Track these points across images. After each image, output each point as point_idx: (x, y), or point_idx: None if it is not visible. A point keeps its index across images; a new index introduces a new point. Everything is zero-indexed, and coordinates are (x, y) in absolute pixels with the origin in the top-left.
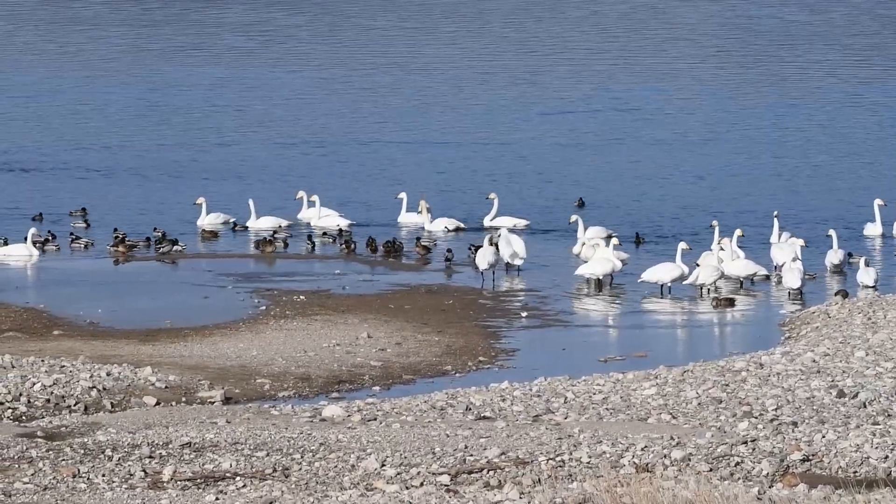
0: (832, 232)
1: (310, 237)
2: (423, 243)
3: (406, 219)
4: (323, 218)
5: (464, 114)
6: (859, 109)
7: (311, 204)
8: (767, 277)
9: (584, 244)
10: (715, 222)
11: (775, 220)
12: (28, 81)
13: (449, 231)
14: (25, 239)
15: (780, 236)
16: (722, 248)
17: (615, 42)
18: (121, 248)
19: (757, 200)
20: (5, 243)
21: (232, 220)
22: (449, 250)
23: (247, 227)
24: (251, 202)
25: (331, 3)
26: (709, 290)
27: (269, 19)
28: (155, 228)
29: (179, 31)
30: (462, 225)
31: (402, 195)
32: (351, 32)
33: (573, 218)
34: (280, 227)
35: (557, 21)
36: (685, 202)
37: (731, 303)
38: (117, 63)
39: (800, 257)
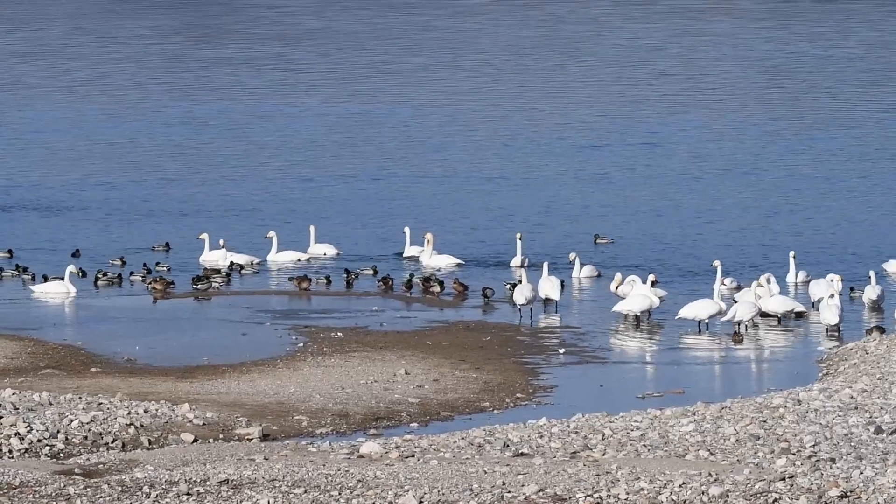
0: (871, 272)
1: (347, 272)
2: (460, 280)
3: (411, 252)
4: (279, 254)
5: (484, 148)
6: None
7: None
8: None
9: (617, 282)
10: (717, 262)
11: (792, 259)
12: (43, 118)
13: (451, 267)
14: (44, 277)
15: (797, 275)
16: (761, 285)
17: (638, 76)
18: (158, 286)
19: (782, 237)
20: (33, 279)
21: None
22: (488, 287)
23: (237, 266)
24: (206, 236)
25: (346, 38)
26: (746, 326)
27: (282, 54)
28: (158, 263)
29: (197, 68)
30: (461, 261)
31: (406, 230)
32: (364, 67)
33: (572, 256)
34: (244, 263)
35: (582, 55)
36: (707, 239)
37: (742, 339)
38: (129, 100)
39: (837, 294)
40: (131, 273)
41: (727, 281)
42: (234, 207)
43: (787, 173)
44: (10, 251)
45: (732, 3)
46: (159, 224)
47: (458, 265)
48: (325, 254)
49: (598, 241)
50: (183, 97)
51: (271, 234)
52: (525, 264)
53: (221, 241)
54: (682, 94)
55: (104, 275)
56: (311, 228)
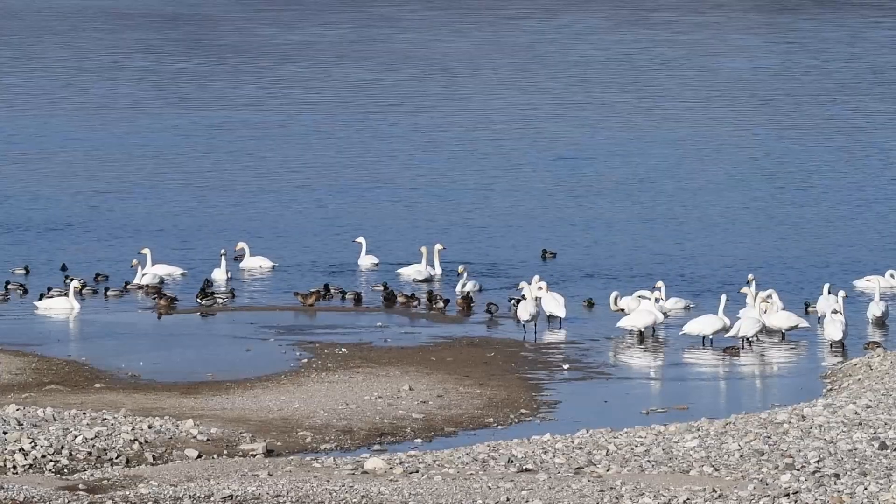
0: (876, 282)
1: (326, 287)
2: (466, 295)
3: (366, 261)
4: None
5: (469, 159)
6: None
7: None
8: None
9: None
10: (660, 283)
11: (752, 283)
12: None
13: (418, 281)
14: (44, 292)
15: (755, 297)
16: (765, 300)
17: (594, 89)
18: (162, 302)
19: (741, 253)
20: (25, 293)
21: (181, 271)
22: (492, 303)
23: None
24: (147, 251)
25: (284, 50)
26: (750, 342)
27: (227, 67)
28: (95, 273)
29: (177, 80)
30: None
31: (361, 239)
32: (340, 80)
33: (531, 281)
34: (170, 276)
35: (571, 68)
36: (658, 255)
37: (737, 352)
38: (96, 113)
39: (841, 309)
40: (106, 289)
41: (671, 301)
42: (165, 222)
43: (749, 187)
44: (26, 268)
45: (695, 16)
46: (97, 239)
47: (428, 279)
48: (260, 266)
49: (546, 255)
50: (138, 110)
51: (242, 244)
52: (468, 289)
53: (147, 251)
54: (638, 109)
55: (50, 290)
56: (244, 245)
